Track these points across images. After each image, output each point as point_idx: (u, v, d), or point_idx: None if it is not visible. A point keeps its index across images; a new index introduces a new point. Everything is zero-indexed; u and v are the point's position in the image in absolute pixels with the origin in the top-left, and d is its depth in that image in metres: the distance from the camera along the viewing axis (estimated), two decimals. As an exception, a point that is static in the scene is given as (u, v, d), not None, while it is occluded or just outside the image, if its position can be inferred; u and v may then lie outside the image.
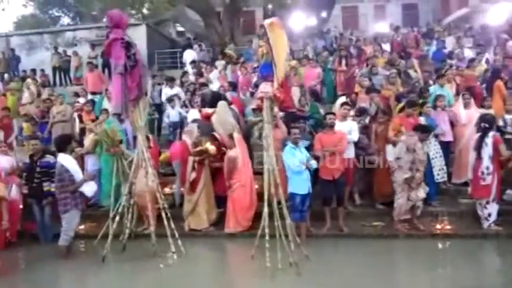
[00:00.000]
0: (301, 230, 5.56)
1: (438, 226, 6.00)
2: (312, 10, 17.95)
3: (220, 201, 6.54)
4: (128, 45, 4.97)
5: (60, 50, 16.16)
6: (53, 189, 5.93)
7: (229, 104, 7.47)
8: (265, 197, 4.78)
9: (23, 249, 6.05)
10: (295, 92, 8.96)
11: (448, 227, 5.99)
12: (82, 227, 6.34)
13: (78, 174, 5.50)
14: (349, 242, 5.77)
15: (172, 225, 5.41)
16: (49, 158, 6.01)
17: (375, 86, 8.28)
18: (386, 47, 12.87)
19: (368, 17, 23.35)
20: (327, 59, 11.57)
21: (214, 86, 9.95)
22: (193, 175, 6.19)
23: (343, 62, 10.72)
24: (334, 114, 6.11)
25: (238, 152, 6.16)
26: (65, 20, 33.31)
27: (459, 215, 6.21)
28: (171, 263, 5.16)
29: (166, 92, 9.75)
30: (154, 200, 6.07)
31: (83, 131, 8.20)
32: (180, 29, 23.97)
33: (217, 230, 6.34)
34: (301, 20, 17.44)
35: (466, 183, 6.57)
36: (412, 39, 13.72)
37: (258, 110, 5.92)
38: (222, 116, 7.20)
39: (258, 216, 6.14)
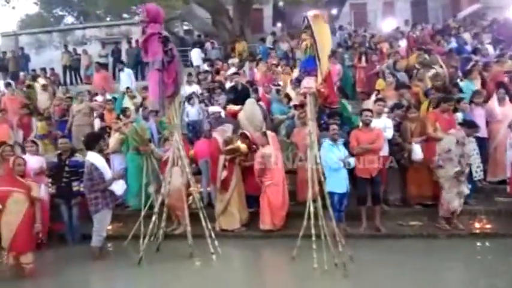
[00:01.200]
0: (339, 230, 5.41)
1: (477, 225, 5.86)
2: (322, 7, 17.79)
3: (251, 201, 6.40)
4: (165, 40, 4.80)
5: (70, 48, 15.99)
6: (82, 189, 5.80)
7: (258, 100, 7.32)
8: (310, 195, 4.63)
9: (52, 250, 5.87)
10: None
11: (488, 226, 5.85)
12: (109, 227, 6.16)
13: (107, 173, 5.35)
14: (388, 242, 5.62)
15: (209, 226, 5.26)
16: (78, 157, 5.86)
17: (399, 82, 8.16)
18: (403, 43, 12.76)
19: (377, 14, 23.13)
20: (342, 56, 11.44)
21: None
22: (225, 174, 6.04)
23: (363, 58, 10.61)
24: (370, 111, 5.94)
25: (272, 149, 6.01)
26: (69, 19, 33.20)
27: (497, 213, 6.05)
28: (211, 264, 4.98)
29: (185, 89, 9.57)
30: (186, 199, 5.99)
31: (103, 130, 8.05)
32: (187, 27, 23.76)
33: (249, 230, 6.20)
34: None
35: (501, 182, 6.45)
36: (427, 35, 13.64)
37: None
38: (251, 113, 7.08)
39: (289, 216, 6.07)
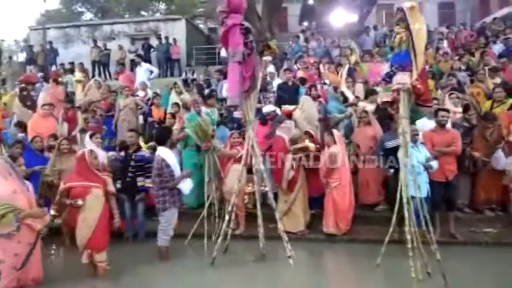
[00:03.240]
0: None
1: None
2: (353, 7, 17.45)
3: (312, 202, 6.14)
4: (247, 32, 4.56)
5: (100, 43, 15.86)
6: (147, 185, 5.59)
7: (318, 97, 7.09)
8: (404, 199, 4.35)
9: (112, 248, 5.64)
10: (359, 89, 8.59)
11: None
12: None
13: (177, 170, 5.12)
14: (467, 249, 5.34)
15: (282, 227, 5.00)
16: (144, 152, 5.62)
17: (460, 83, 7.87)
18: (444, 44, 12.45)
19: (404, 15, 22.75)
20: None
21: (276, 82, 9.55)
22: (292, 173, 5.78)
23: (410, 58, 10.29)
24: (448, 111, 5.64)
25: (339, 148, 5.75)
26: (88, 15, 33.26)
27: None
28: (288, 268, 4.70)
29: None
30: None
31: (151, 125, 7.88)
32: (212, 25, 23.58)
33: (312, 233, 5.95)
34: (341, 16, 16.98)
35: None
36: (468, 36, 13.32)
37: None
38: (309, 112, 6.83)
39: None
